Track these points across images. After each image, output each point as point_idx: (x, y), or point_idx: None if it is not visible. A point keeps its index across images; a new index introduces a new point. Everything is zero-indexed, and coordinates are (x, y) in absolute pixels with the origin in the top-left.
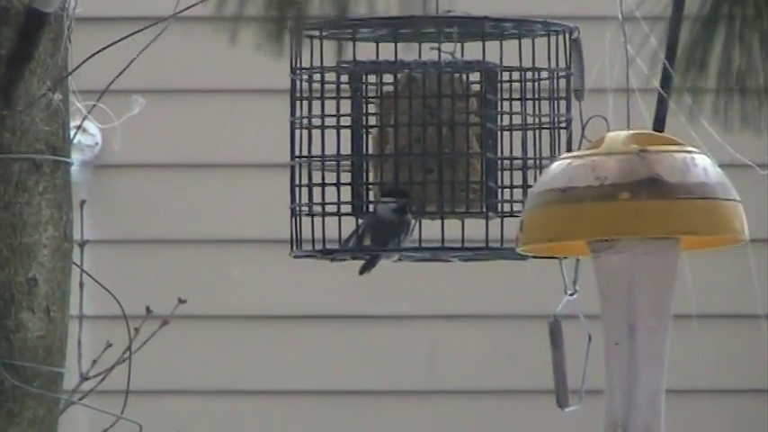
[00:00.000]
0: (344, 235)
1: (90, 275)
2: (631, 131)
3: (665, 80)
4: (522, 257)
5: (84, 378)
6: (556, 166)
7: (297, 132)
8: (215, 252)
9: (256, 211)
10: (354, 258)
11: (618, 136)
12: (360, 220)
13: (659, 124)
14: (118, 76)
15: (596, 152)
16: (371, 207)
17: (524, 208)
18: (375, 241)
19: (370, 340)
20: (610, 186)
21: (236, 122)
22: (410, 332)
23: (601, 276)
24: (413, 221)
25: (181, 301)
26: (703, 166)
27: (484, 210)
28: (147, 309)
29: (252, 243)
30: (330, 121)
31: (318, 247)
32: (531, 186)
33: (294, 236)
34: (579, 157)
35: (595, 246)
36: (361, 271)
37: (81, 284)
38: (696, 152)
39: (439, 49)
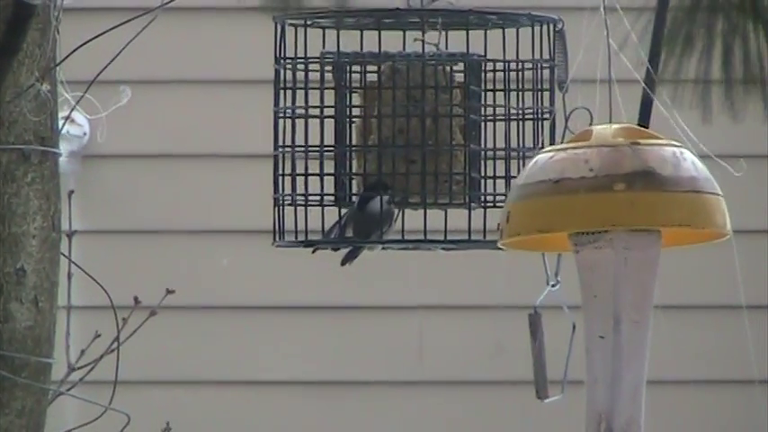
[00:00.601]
0: (327, 225)
1: (78, 266)
2: (617, 125)
3: (650, 73)
4: (507, 248)
5: (72, 369)
6: (544, 157)
7: (280, 122)
8: (203, 242)
9: (244, 201)
10: (337, 249)
11: (606, 129)
12: (343, 211)
13: (644, 118)
14: (106, 67)
15: (587, 144)
16: (354, 198)
17: (508, 198)
18: (358, 233)
19: (357, 331)
20: (604, 177)
21: (222, 113)
22: (398, 322)
23: (583, 270)
24: (395, 213)
25: (169, 292)
26: (691, 159)
27: (467, 201)
28: (136, 299)
29: (240, 233)
30: (314, 112)
31: (301, 237)
32: (514, 177)
33: (277, 226)
34: (569, 148)
35: (578, 239)
36: (343, 262)
37: (69, 275)
38: (682, 146)
39: (423, 41)
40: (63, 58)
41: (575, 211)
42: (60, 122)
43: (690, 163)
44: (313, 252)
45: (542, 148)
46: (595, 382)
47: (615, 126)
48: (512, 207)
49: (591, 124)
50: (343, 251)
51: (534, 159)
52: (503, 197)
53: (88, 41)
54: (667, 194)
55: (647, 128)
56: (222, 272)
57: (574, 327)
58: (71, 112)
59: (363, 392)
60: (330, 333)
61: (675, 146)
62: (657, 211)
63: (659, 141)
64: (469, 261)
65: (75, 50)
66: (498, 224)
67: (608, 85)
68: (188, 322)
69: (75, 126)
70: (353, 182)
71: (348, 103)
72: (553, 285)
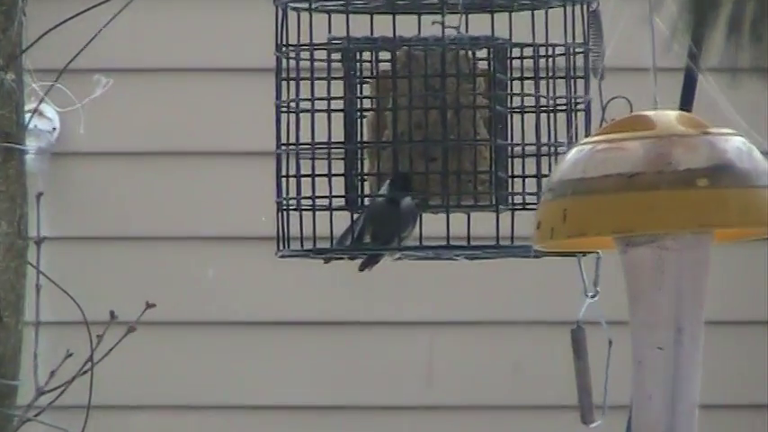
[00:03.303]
0: (336, 232)
1: (47, 276)
2: (673, 111)
3: (694, 55)
4: (536, 255)
5: (40, 392)
6: (599, 147)
7: (283, 117)
8: (188, 251)
9: (236, 204)
10: (352, 259)
11: (667, 116)
12: (354, 215)
13: (686, 104)
14: (78, 54)
15: (656, 134)
16: (369, 198)
17: (556, 193)
18: (377, 238)
19: (358, 349)
20: (684, 172)
21: (214, 106)
22: (404, 340)
23: (632, 273)
24: (419, 214)
25: (149, 306)
26: (757, 151)
27: (493, 203)
28: (112, 314)
29: (230, 240)
30: (320, 105)
31: (308, 245)
32: (546, 176)
33: (281, 233)
34: (632, 138)
35: (629, 239)
36: (362, 267)
37: (38, 287)
38: (741, 135)
39: (443, 24)
40: (30, 44)
41: (657, 209)
42: (27, 116)
43: (757, 154)
44: (326, 262)
45: (577, 142)
46: (649, 399)
47: (672, 112)
48: (569, 204)
49: (631, 114)
50: (357, 261)
51: (586, 148)
52: (533, 198)
53: (58, 25)
54: (751, 190)
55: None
56: (210, 283)
57: (610, 343)
58: (39, 104)
59: (366, 419)
60: (329, 352)
61: (737, 135)
62: (749, 210)
63: (723, 131)
64: (483, 270)
65: (43, 35)
66: (538, 224)
67: (651, 71)
68: (171, 340)
69: (44, 120)
70: (365, 183)
71: (359, 94)
72: (592, 296)
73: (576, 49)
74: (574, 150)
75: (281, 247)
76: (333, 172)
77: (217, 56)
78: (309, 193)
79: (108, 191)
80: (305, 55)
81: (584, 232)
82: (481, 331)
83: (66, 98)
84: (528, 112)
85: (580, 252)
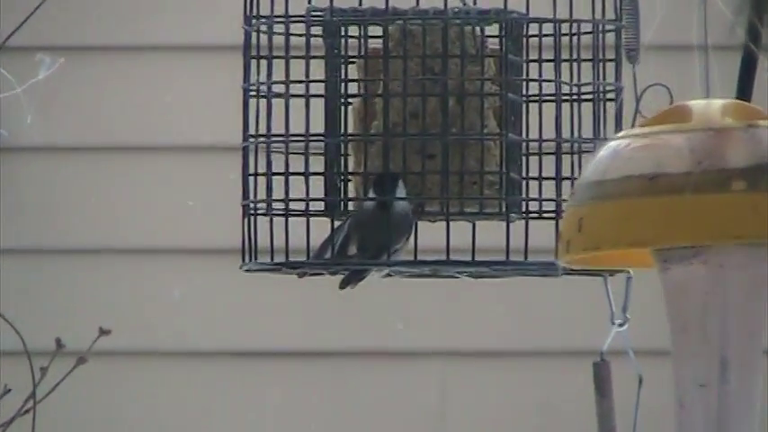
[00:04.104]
0: (314, 242)
1: None
2: (721, 100)
3: (756, 32)
4: (555, 273)
5: None
6: (625, 143)
7: (252, 103)
8: (149, 266)
9: (204, 209)
10: (333, 274)
11: (710, 105)
12: (336, 223)
13: (744, 92)
14: (16, 30)
15: (689, 126)
16: (351, 205)
17: (577, 199)
18: (363, 250)
19: (359, 384)
20: (717, 173)
21: (174, 90)
22: (412, 373)
23: (674, 296)
24: (414, 222)
25: (103, 332)
26: None
27: (503, 209)
28: (58, 342)
29: (200, 254)
30: (297, 89)
31: (280, 258)
32: (568, 178)
33: (247, 243)
34: (663, 132)
35: (669, 254)
36: (343, 284)
37: None
38: None
39: None
40: None
41: (680, 218)
42: None
43: None
44: (300, 277)
45: (605, 138)
46: None
47: (719, 102)
48: (586, 211)
49: (671, 105)
50: (340, 275)
51: (611, 146)
52: (552, 204)
53: None
54: None
55: (747, 100)
56: (173, 306)
57: (641, 380)
58: None
59: None
60: (321, 387)
61: None
62: None
63: None
64: (503, 291)
65: None
66: (559, 235)
67: (704, 51)
68: (128, 372)
69: None
70: (350, 184)
71: (343, 76)
72: (621, 324)
73: (606, 27)
74: (603, 148)
75: (247, 260)
76: (311, 170)
77: (175, 32)
78: (282, 195)
79: (53, 193)
80: (279, 29)
81: (598, 245)
82: (500, 362)
83: (4, 81)
84: (547, 101)
85: (607, 270)
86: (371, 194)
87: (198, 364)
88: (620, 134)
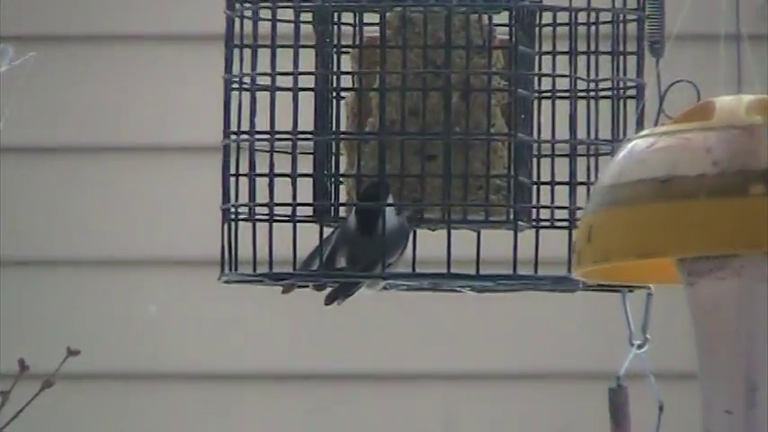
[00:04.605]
0: (301, 251)
1: None
2: (751, 96)
3: None
4: (570, 289)
5: None
6: (642, 143)
7: (234, 96)
8: (123, 278)
9: (182, 214)
10: (320, 288)
11: (737, 101)
12: (325, 230)
13: None
14: None
15: (708, 124)
16: (342, 211)
17: (590, 206)
18: (354, 261)
19: (356, 409)
20: (735, 175)
21: (149, 84)
22: (413, 397)
23: (701, 313)
24: (411, 230)
25: (71, 353)
26: None
27: (511, 217)
28: (22, 363)
29: (179, 266)
30: (284, 81)
31: (263, 269)
32: (583, 183)
33: (227, 251)
34: (679, 131)
35: (693, 267)
36: (329, 299)
37: None
38: None
39: None
40: None
41: (692, 225)
42: None
43: None
44: (284, 292)
45: (624, 139)
46: None
47: (749, 97)
48: (596, 219)
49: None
50: (329, 288)
51: (628, 147)
52: (565, 211)
53: None
54: None
55: None
56: (149, 323)
57: (661, 407)
58: None
59: None
60: (310, 413)
61: None
62: None
63: None
64: (510, 307)
65: None
66: (571, 246)
67: (735, 41)
68: (99, 397)
69: None
70: (341, 187)
71: (335, 68)
72: (640, 346)
73: (628, 16)
74: (620, 150)
75: (227, 270)
76: (298, 171)
77: (153, 19)
78: (266, 199)
79: (17, 199)
80: (265, 14)
81: (608, 257)
82: (511, 386)
83: None
84: (561, 97)
85: (625, 286)
86: (353, 217)
87: (175, 388)
88: (638, 134)
